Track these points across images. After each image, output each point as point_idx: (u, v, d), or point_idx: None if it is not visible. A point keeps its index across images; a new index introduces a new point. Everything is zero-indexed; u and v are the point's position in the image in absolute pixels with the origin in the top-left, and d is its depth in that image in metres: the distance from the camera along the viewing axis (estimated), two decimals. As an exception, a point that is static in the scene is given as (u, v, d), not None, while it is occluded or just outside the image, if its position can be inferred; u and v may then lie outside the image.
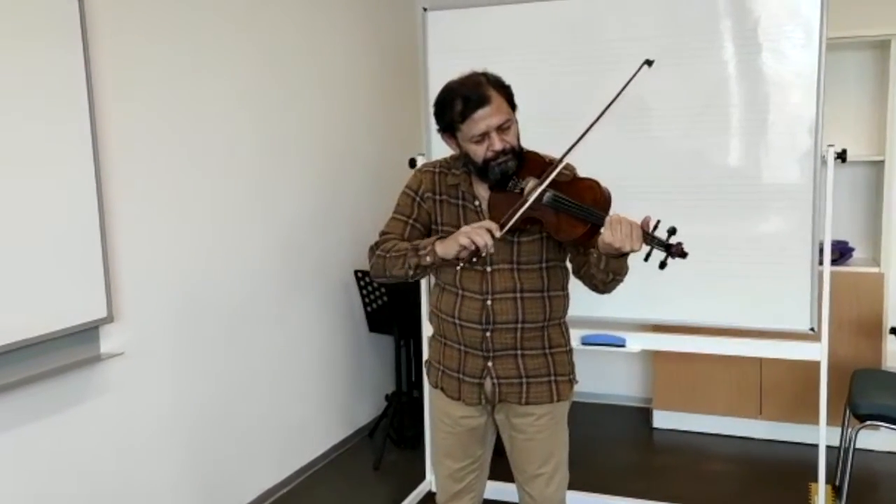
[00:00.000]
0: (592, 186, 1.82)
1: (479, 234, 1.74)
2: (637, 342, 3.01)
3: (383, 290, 3.62)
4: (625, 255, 1.75)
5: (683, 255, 1.69)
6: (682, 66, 2.70)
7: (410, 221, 2.01)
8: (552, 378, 1.99)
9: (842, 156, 2.62)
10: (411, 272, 1.89)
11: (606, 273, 1.83)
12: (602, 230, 1.73)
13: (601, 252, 1.77)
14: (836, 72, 3.62)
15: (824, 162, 2.62)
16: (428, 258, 1.84)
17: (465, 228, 1.78)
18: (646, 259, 1.73)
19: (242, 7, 3.06)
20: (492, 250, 1.77)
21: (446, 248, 1.81)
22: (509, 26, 2.87)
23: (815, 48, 2.57)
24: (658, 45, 2.70)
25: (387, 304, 3.66)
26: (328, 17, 3.64)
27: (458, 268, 1.87)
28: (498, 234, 1.76)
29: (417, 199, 2.01)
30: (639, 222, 1.71)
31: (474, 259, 1.78)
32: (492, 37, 2.88)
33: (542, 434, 2.01)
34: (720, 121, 2.71)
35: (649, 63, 1.89)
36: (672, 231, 1.69)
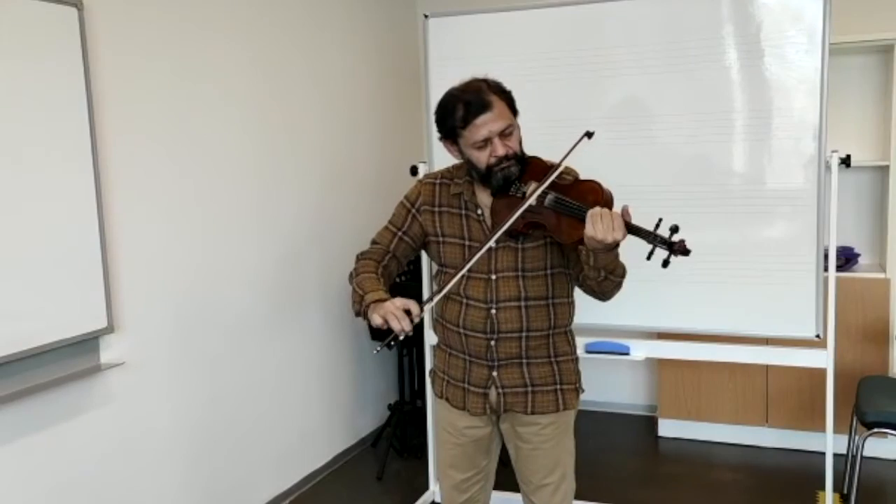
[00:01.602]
0: (594, 188, 1.81)
1: (395, 318, 1.71)
2: (641, 350, 2.98)
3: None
4: (611, 248, 1.72)
5: (686, 252, 1.66)
6: (683, 71, 2.69)
7: (399, 234, 2.01)
8: (558, 387, 1.98)
9: (846, 161, 2.61)
10: (357, 312, 1.90)
11: (598, 271, 1.80)
12: (585, 223, 1.71)
13: (588, 248, 1.75)
14: (840, 76, 3.61)
15: (828, 167, 2.61)
16: (363, 313, 1.85)
17: (388, 304, 1.75)
18: (648, 258, 1.71)
19: (242, 17, 3.06)
20: (410, 334, 1.73)
21: (372, 315, 1.80)
22: (510, 33, 2.86)
23: (818, 53, 2.56)
24: (660, 50, 2.69)
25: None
26: (328, 25, 3.64)
27: (375, 351, 1.86)
28: (416, 318, 1.73)
29: (413, 210, 2.00)
30: (619, 213, 1.70)
31: (392, 343, 1.75)
32: (493, 43, 2.88)
33: (547, 444, 1.99)
34: (723, 126, 2.69)
35: (589, 135, 1.88)
36: (674, 229, 1.67)
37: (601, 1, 2.76)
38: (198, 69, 2.83)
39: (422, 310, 1.75)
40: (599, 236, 1.67)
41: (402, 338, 1.73)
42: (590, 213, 1.69)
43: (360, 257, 2.02)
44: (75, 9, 2.27)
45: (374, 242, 2.04)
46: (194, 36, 2.81)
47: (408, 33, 4.34)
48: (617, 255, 1.79)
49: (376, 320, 1.76)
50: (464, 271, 1.84)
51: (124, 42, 2.51)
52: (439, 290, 1.85)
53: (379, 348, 1.82)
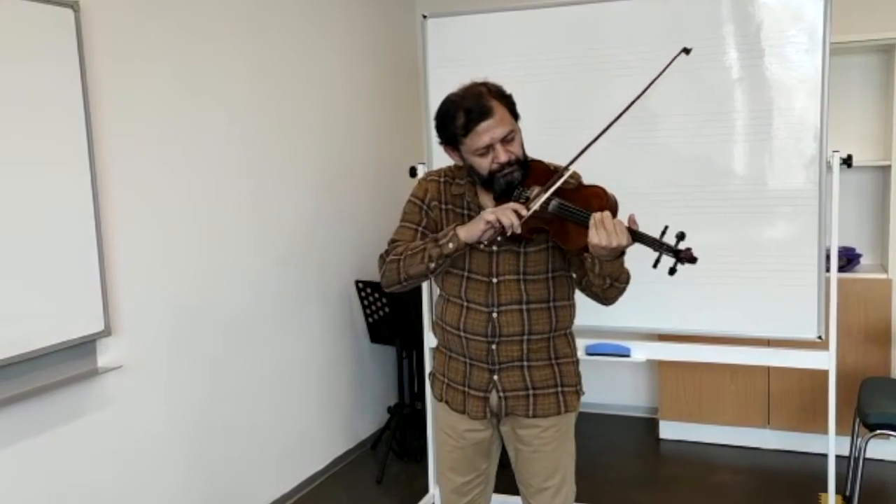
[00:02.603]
0: (599, 193, 1.79)
1: (504, 213, 1.73)
2: (642, 352, 2.97)
3: (385, 300, 3.59)
4: (617, 256, 1.72)
5: (693, 260, 1.65)
6: (684, 71, 2.67)
7: (420, 229, 1.97)
8: (559, 389, 1.97)
9: (847, 161, 2.60)
10: (433, 265, 1.85)
11: (603, 278, 1.79)
12: (588, 231, 1.70)
13: (594, 256, 1.74)
14: (841, 76, 3.59)
15: (830, 167, 2.60)
16: (451, 244, 1.81)
17: (488, 209, 1.77)
18: (655, 266, 1.69)
19: (239, 18, 3.05)
20: (518, 230, 1.74)
21: (470, 231, 1.79)
22: (510, 33, 2.85)
23: (819, 52, 2.55)
24: (660, 50, 2.67)
25: (388, 315, 3.63)
26: (326, 26, 3.63)
27: (482, 246, 1.85)
28: (525, 212, 1.74)
29: (424, 207, 1.98)
30: (624, 221, 1.69)
31: (498, 238, 1.79)
32: (492, 44, 2.87)
33: (548, 446, 1.98)
34: (724, 127, 2.69)
35: (687, 51, 1.87)
36: (681, 236, 1.66)
37: (601, 1, 2.75)
38: (195, 71, 2.81)
39: (528, 212, 1.75)
40: (603, 242, 1.66)
41: (509, 234, 1.75)
42: (591, 220, 1.68)
43: (388, 253, 1.95)
44: (72, 10, 2.26)
45: (393, 241, 1.99)
46: (192, 37, 2.79)
47: (406, 34, 4.33)
48: (622, 263, 1.78)
49: (487, 216, 1.74)
50: (543, 199, 1.79)
51: (121, 44, 2.49)
52: (540, 194, 1.79)
53: (483, 246, 1.84)
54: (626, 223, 1.69)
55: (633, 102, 1.87)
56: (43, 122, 2.18)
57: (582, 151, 1.81)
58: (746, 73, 2.64)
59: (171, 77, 2.70)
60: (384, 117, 4.10)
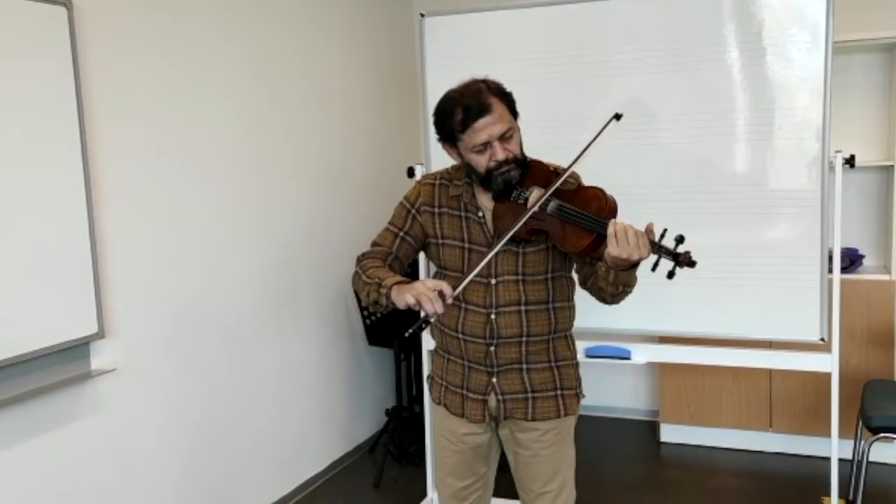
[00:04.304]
0: (598, 195, 1.77)
1: (428, 299, 1.66)
2: (643, 354, 2.95)
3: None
4: (634, 265, 1.70)
5: (692, 263, 1.64)
6: (684, 70, 2.67)
7: (401, 234, 1.97)
8: (559, 392, 1.95)
9: (850, 161, 2.58)
10: (371, 307, 1.85)
11: (616, 286, 1.77)
12: (607, 242, 1.67)
13: (609, 265, 1.71)
14: (843, 75, 3.57)
15: (832, 167, 2.58)
16: (383, 299, 1.79)
17: (418, 285, 1.70)
18: (653, 269, 1.67)
19: (234, 18, 3.02)
20: (441, 316, 1.68)
21: (398, 297, 1.74)
22: (509, 32, 2.83)
23: (821, 51, 2.53)
24: (660, 49, 2.66)
25: (386, 317, 3.60)
26: (323, 24, 3.60)
27: (407, 333, 1.76)
28: (450, 300, 1.68)
29: (413, 211, 1.97)
30: (642, 229, 1.66)
31: (422, 326, 1.71)
32: (491, 43, 2.85)
33: (547, 450, 1.95)
34: (725, 126, 2.67)
35: (618, 117, 1.85)
36: (680, 240, 1.64)
37: (600, -1, 2.73)
38: (190, 69, 2.79)
39: (454, 292, 1.69)
40: (624, 255, 1.63)
41: (432, 320, 1.69)
42: (611, 230, 1.65)
43: (363, 258, 1.97)
44: (65, 8, 2.24)
45: (374, 244, 2.00)
46: (187, 36, 2.77)
47: (404, 33, 4.31)
48: (636, 270, 1.75)
49: (408, 300, 1.68)
50: (491, 255, 1.77)
51: (115, 42, 2.47)
52: (468, 274, 1.77)
53: (410, 332, 1.73)
54: (642, 231, 1.66)
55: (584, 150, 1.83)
56: (35, 122, 2.16)
57: (578, 157, 1.79)
58: (747, 72, 2.62)
59: (166, 77, 2.67)
60: (382, 117, 4.08)
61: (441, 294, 1.66)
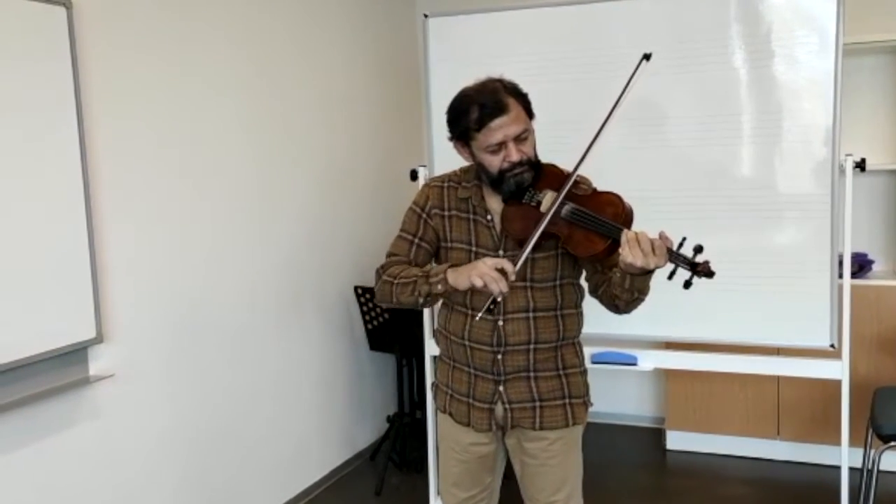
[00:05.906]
0: (613, 201, 1.75)
1: (494, 280, 1.64)
2: (649, 360, 2.92)
3: (384, 307, 3.53)
4: (650, 272, 1.66)
5: (710, 274, 1.60)
6: (691, 73, 2.65)
7: (416, 241, 1.93)
8: (567, 401, 1.91)
9: (861, 165, 2.55)
10: (421, 300, 1.81)
11: (631, 292, 1.73)
12: (621, 249, 1.64)
13: (624, 272, 1.68)
14: (851, 78, 3.53)
15: (842, 171, 2.55)
16: (439, 286, 1.76)
17: (480, 266, 1.68)
18: (669, 278, 1.64)
19: (237, 19, 3.00)
20: (506, 293, 1.67)
21: (458, 280, 1.73)
22: (512, 32, 2.82)
23: (830, 54, 2.52)
24: (667, 50, 2.63)
25: (388, 322, 3.58)
26: (326, 25, 3.58)
27: (478, 317, 1.76)
28: (512, 276, 1.67)
29: (424, 216, 1.93)
30: (656, 236, 1.63)
31: (491, 307, 1.70)
32: (494, 43, 2.83)
33: (554, 459, 1.92)
34: (733, 130, 2.65)
35: (647, 57, 1.81)
36: (699, 249, 1.61)
37: (605, 0, 2.70)
38: (191, 70, 2.77)
39: (514, 268, 1.67)
40: (640, 263, 1.60)
41: (499, 300, 1.68)
42: (625, 238, 1.62)
43: (384, 268, 1.91)
44: (64, 8, 2.23)
45: (390, 254, 1.95)
46: (187, 37, 2.75)
47: (407, 33, 4.28)
48: (651, 276, 1.72)
49: (474, 281, 1.66)
50: (532, 241, 1.73)
51: (115, 42, 2.45)
52: (523, 251, 1.74)
53: (480, 316, 1.73)
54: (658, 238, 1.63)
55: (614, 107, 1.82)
56: (34, 123, 2.14)
57: (586, 152, 1.77)
58: (755, 75, 2.60)
59: (166, 78, 2.65)
60: (385, 118, 4.06)
61: (503, 272, 1.65)
